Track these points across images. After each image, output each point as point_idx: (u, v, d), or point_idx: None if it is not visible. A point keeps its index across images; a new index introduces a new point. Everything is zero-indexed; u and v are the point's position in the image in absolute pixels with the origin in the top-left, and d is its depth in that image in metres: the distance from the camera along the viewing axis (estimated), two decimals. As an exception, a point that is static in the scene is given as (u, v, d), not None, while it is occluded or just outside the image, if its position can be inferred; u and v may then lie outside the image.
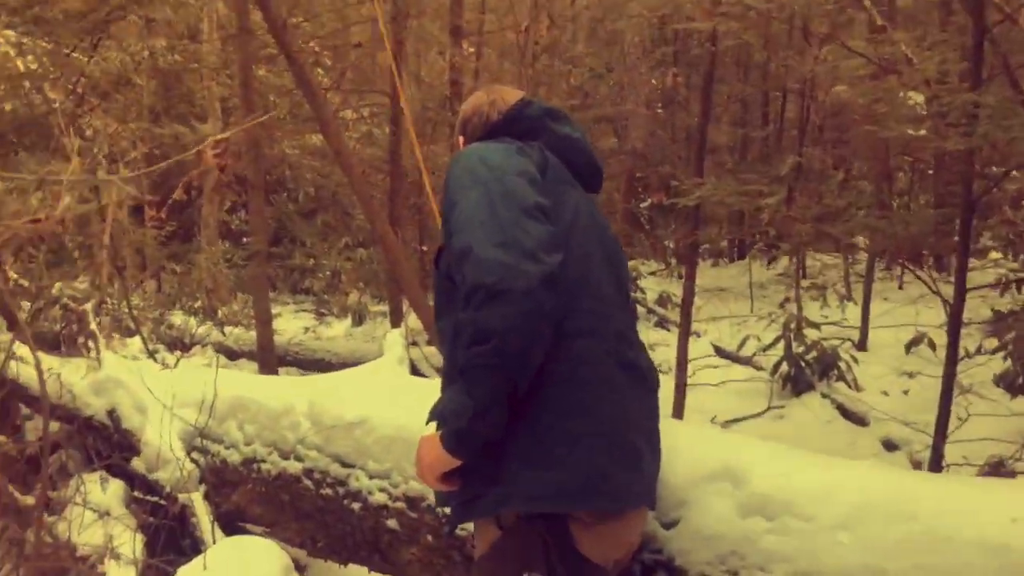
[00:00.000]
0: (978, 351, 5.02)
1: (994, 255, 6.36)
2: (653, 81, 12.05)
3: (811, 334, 5.98)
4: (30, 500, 2.70)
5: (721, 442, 2.04)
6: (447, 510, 1.75)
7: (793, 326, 5.94)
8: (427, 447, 1.61)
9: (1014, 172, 3.24)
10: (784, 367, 5.90)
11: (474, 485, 1.59)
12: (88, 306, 4.01)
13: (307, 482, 2.58)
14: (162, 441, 2.88)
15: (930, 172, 9.32)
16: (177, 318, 7.64)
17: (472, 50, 9.50)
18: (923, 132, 2.98)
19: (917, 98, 3.06)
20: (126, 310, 5.99)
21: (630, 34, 10.93)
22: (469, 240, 1.52)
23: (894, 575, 1.54)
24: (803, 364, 5.82)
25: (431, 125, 9.39)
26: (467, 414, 1.48)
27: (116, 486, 2.96)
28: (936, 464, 3.12)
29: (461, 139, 1.95)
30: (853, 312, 7.79)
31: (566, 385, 1.57)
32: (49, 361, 3.12)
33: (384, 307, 9.28)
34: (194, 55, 10.70)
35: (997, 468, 3.85)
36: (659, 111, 12.57)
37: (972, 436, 4.05)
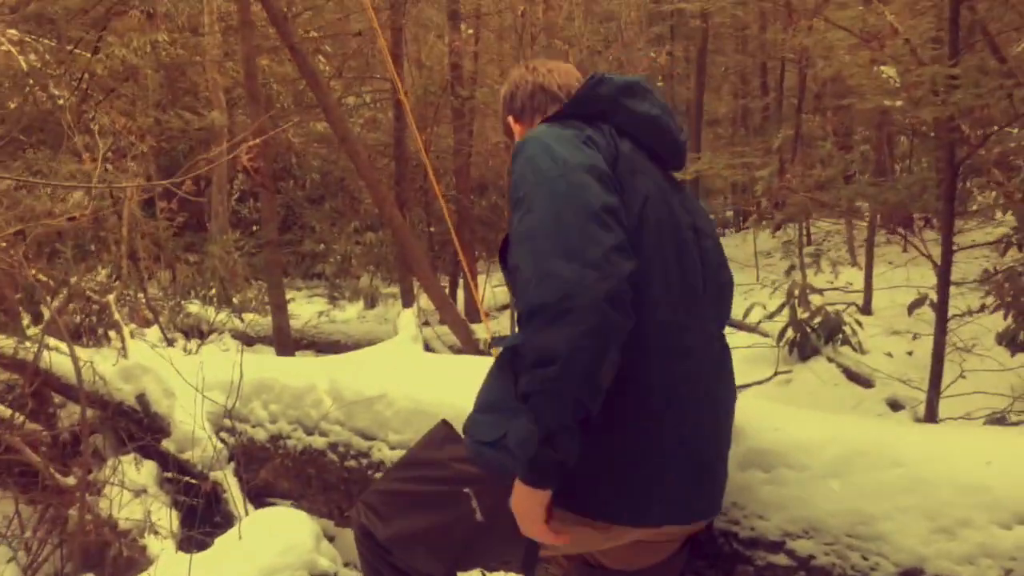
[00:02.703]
0: (981, 310, 5.12)
1: (1000, 217, 6.45)
2: (652, 54, 12.07)
3: (816, 300, 6.08)
4: (71, 481, 2.85)
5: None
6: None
7: (797, 293, 6.04)
8: (515, 500, 1.46)
9: (999, 134, 3.32)
10: (790, 333, 6.01)
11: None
12: (111, 298, 4.14)
13: (332, 455, 2.72)
14: (192, 423, 3.03)
15: (932, 135, 9.35)
16: (193, 307, 7.79)
17: (471, 32, 9.55)
18: (899, 103, 3.06)
19: (890, 71, 3.14)
20: (143, 300, 6.14)
21: (626, 11, 10.97)
22: (531, 250, 1.42)
23: (880, 517, 1.65)
24: (808, 330, 5.93)
25: (433, 108, 9.45)
26: (534, 441, 1.38)
27: (149, 467, 3.11)
28: (931, 418, 3.24)
29: (510, 119, 1.85)
30: (857, 277, 7.88)
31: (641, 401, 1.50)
32: (81, 352, 3.25)
33: (395, 289, 9.41)
34: (196, 48, 10.78)
35: (1000, 423, 3.97)
36: (659, 85, 12.60)
37: (968, 391, 4.16)
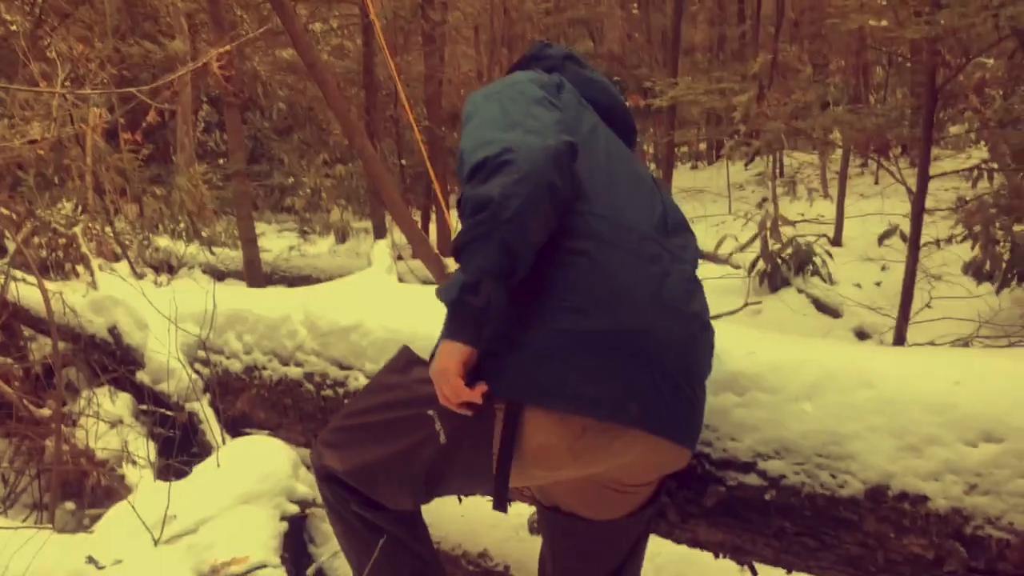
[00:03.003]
0: (949, 240, 5.19)
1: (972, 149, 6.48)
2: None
3: (787, 231, 6.12)
4: (46, 412, 2.84)
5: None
6: None
7: (769, 224, 6.08)
8: (435, 359, 1.46)
9: (981, 61, 3.32)
10: (760, 264, 6.07)
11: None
12: (77, 230, 4.06)
13: (308, 385, 2.72)
14: (166, 354, 3.01)
15: (908, 65, 9.33)
16: (162, 241, 7.68)
17: (443, -46, 9.28)
18: (884, 23, 3.03)
19: (875, -9, 3.11)
20: (111, 234, 6.03)
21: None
22: (473, 130, 1.50)
23: (849, 436, 1.69)
24: (779, 261, 5.99)
25: (403, 34, 9.24)
26: (456, 286, 1.39)
27: (124, 398, 3.11)
28: (899, 343, 3.30)
29: None
30: (828, 208, 7.94)
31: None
32: (49, 285, 3.20)
33: (366, 223, 9.34)
34: (156, -30, 10.40)
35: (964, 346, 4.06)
36: (635, 12, 12.39)
37: (934, 318, 4.24)
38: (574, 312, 1.45)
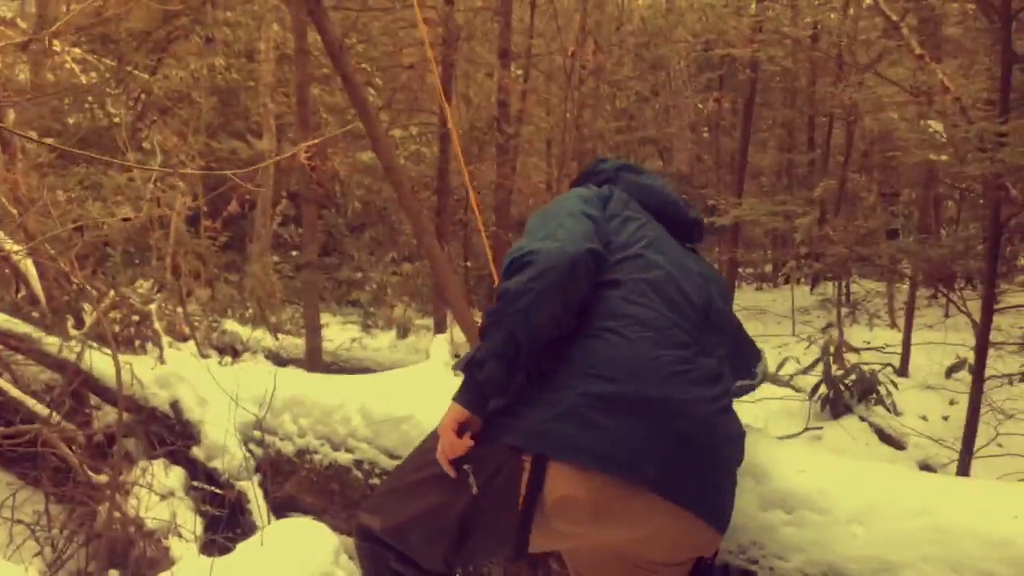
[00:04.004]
0: (1021, 377, 5.02)
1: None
2: (699, 105, 12.14)
3: (851, 358, 6.00)
4: (102, 479, 2.91)
5: (747, 442, 2.16)
6: None
7: (833, 349, 5.97)
8: (444, 415, 1.69)
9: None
10: (823, 389, 5.93)
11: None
12: (152, 307, 4.24)
13: (356, 472, 2.75)
14: (222, 432, 3.08)
15: (980, 201, 9.27)
16: (229, 325, 7.91)
17: (520, 72, 9.71)
18: (944, 157, 3.06)
19: (936, 126, 3.15)
20: (182, 314, 6.26)
21: (675, 59, 11.07)
22: (517, 244, 1.69)
23: (902, 565, 1.64)
24: (842, 387, 5.85)
25: (478, 145, 9.60)
26: (467, 359, 1.64)
27: (178, 472, 3.17)
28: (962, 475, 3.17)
29: None
30: (895, 338, 7.77)
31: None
32: (121, 356, 3.33)
33: (428, 321, 9.48)
34: (251, 73, 11.09)
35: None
36: (704, 135, 12.65)
37: (1000, 454, 4.07)
38: (599, 379, 1.60)
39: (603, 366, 1.62)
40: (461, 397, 1.65)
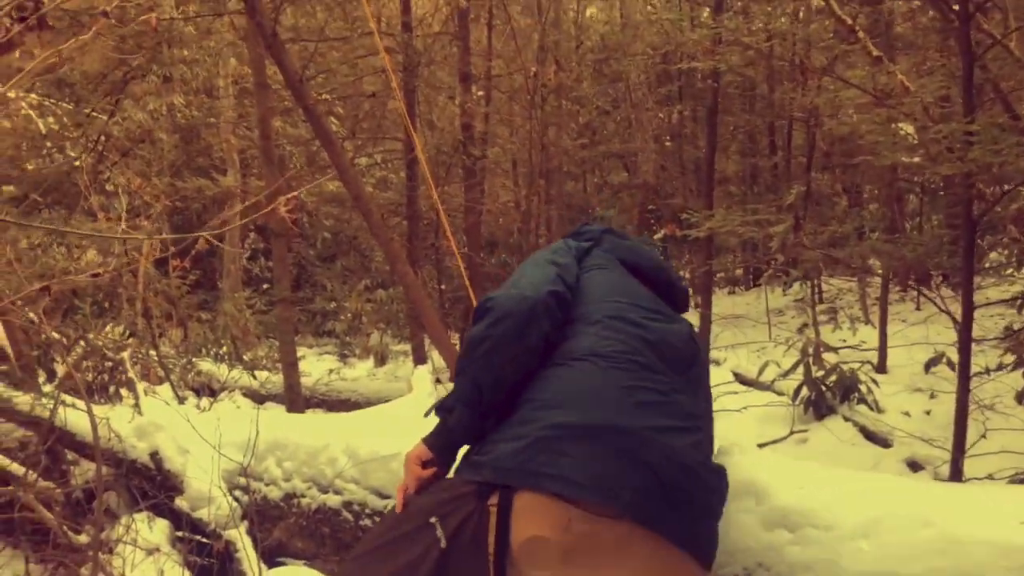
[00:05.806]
0: (998, 368, 5.07)
1: (1016, 275, 6.43)
2: (660, 116, 12.24)
3: (830, 358, 6.03)
4: (83, 539, 2.82)
5: (743, 461, 2.14)
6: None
7: (811, 351, 6.00)
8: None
9: (1016, 191, 3.34)
10: (805, 391, 5.95)
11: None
12: (125, 355, 4.15)
13: (346, 514, 2.68)
14: (206, 481, 3.00)
15: (941, 193, 9.41)
16: (204, 364, 7.78)
17: (481, 94, 9.72)
18: (916, 159, 3.09)
19: (908, 128, 3.19)
20: (155, 358, 6.14)
21: (635, 72, 11.16)
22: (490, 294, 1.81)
23: (911, 578, 1.62)
24: (823, 388, 5.87)
25: (444, 168, 9.58)
26: (438, 405, 1.76)
27: (162, 525, 3.08)
28: (956, 478, 3.19)
29: None
30: (870, 335, 7.84)
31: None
32: (96, 409, 3.25)
33: (405, 346, 9.40)
34: (211, 110, 11.01)
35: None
36: (667, 145, 12.75)
37: (990, 451, 4.09)
38: (565, 409, 1.61)
39: (569, 396, 1.63)
40: (428, 438, 1.78)
